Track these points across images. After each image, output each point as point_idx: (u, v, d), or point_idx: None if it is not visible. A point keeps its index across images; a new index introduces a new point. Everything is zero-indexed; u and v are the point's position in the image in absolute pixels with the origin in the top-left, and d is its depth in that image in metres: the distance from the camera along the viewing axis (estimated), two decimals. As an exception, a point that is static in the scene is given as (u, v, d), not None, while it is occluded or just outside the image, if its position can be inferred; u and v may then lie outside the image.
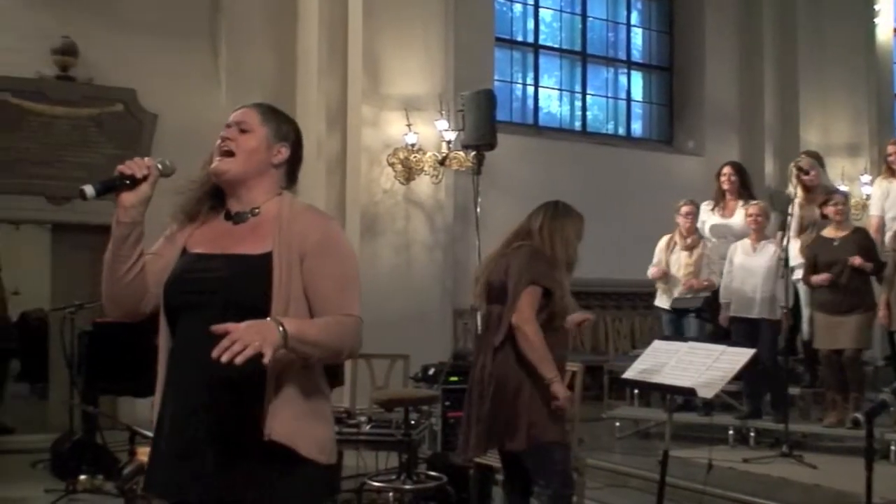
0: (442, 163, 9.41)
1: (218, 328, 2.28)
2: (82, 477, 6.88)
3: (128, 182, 2.60)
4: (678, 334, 8.02)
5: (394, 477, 6.24)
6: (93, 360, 6.96)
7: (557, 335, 4.52)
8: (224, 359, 2.23)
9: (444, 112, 9.41)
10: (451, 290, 9.83)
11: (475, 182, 8.24)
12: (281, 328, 2.34)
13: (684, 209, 8.53)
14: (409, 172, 9.42)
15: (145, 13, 10.10)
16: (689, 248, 8.47)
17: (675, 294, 8.46)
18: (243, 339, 2.25)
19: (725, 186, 8.86)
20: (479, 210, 8.23)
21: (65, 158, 9.76)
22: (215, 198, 2.76)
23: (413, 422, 6.33)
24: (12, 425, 9.88)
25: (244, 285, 2.55)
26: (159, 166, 2.65)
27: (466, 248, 9.46)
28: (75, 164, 9.74)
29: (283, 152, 2.75)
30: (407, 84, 9.62)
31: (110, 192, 2.61)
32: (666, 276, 8.55)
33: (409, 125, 9.33)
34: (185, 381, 2.57)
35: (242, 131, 2.70)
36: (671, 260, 8.54)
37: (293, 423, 2.50)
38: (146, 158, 2.65)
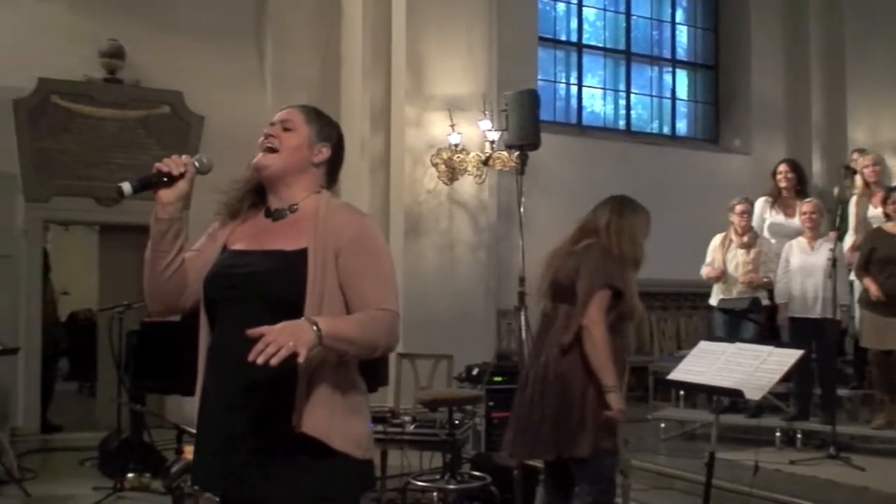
0: (485, 163, 9.40)
1: (253, 332, 2.31)
2: (130, 475, 6.96)
3: (165, 179, 2.63)
4: (733, 335, 7.90)
5: (438, 477, 6.23)
6: (140, 358, 7.02)
7: (621, 339, 4.43)
8: (259, 361, 2.26)
9: (487, 112, 9.39)
10: (495, 290, 9.81)
11: (519, 182, 8.21)
12: (315, 327, 2.37)
13: (739, 207, 8.43)
14: (452, 172, 9.42)
15: (191, 16, 10.23)
16: (747, 247, 8.37)
17: (734, 293, 8.36)
18: (277, 341, 2.28)
19: (783, 184, 8.76)
20: (522, 210, 8.20)
21: (113, 160, 9.90)
22: (257, 196, 2.81)
23: (457, 422, 6.32)
24: (61, 423, 10.02)
25: (279, 280, 2.58)
26: (196, 163, 2.69)
27: (510, 247, 9.44)
28: (123, 165, 9.86)
29: (325, 152, 2.80)
30: (450, 84, 9.62)
31: (148, 189, 2.63)
32: (723, 276, 8.45)
33: (452, 125, 9.33)
34: (223, 375, 2.61)
35: (286, 129, 2.76)
36: (727, 258, 8.45)
37: (327, 417, 2.53)
38: (183, 156, 2.68)
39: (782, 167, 8.88)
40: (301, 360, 2.31)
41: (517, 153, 8.31)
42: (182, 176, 2.64)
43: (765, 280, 8.25)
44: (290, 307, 2.48)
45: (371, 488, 2.91)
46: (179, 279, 2.70)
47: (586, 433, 4.25)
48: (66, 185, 9.76)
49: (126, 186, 2.60)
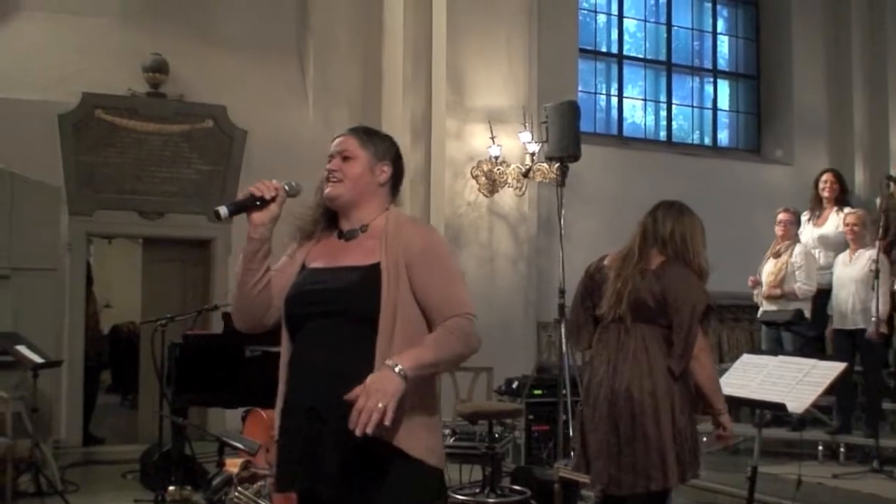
0: (526, 175, 9.41)
1: (349, 397, 2.50)
2: (171, 488, 6.99)
3: (258, 203, 2.83)
4: (777, 348, 7.83)
5: (478, 490, 6.24)
6: (182, 371, 7.08)
7: None
8: (358, 432, 2.47)
9: (527, 124, 9.40)
10: (535, 302, 9.80)
11: (559, 194, 8.20)
12: (398, 369, 2.53)
13: (779, 216, 8.34)
14: (492, 185, 9.44)
15: (234, 31, 10.32)
16: (776, 256, 8.31)
17: (776, 305, 8.29)
18: (368, 407, 2.47)
19: (825, 194, 8.64)
20: (563, 222, 8.19)
21: (156, 174, 10.00)
22: (329, 219, 2.98)
23: (497, 435, 6.33)
24: (103, 436, 10.12)
25: (355, 294, 2.75)
26: (286, 187, 2.89)
27: (550, 260, 9.42)
28: (166, 178, 9.98)
29: (387, 170, 2.95)
30: (490, 96, 9.65)
31: (242, 212, 2.83)
32: (757, 286, 8.40)
33: (492, 137, 9.35)
34: (305, 387, 2.76)
35: (345, 159, 2.90)
36: (763, 270, 8.40)
37: (405, 426, 2.66)
38: (274, 181, 2.88)
39: (826, 176, 8.77)
40: (389, 415, 2.48)
41: (557, 165, 8.30)
42: (273, 199, 2.84)
43: (781, 292, 8.12)
44: (366, 319, 2.70)
45: (444, 497, 3.00)
46: (266, 296, 2.89)
47: (671, 464, 4.14)
48: (110, 198, 9.87)
49: (223, 210, 2.79)
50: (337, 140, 2.95)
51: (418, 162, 9.78)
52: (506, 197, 9.54)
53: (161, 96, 10.05)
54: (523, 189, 9.50)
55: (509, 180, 9.42)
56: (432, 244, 2.84)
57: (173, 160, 10.10)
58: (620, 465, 4.21)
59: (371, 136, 2.96)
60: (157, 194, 9.98)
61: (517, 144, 9.51)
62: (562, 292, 7.67)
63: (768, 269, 8.28)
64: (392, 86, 10.24)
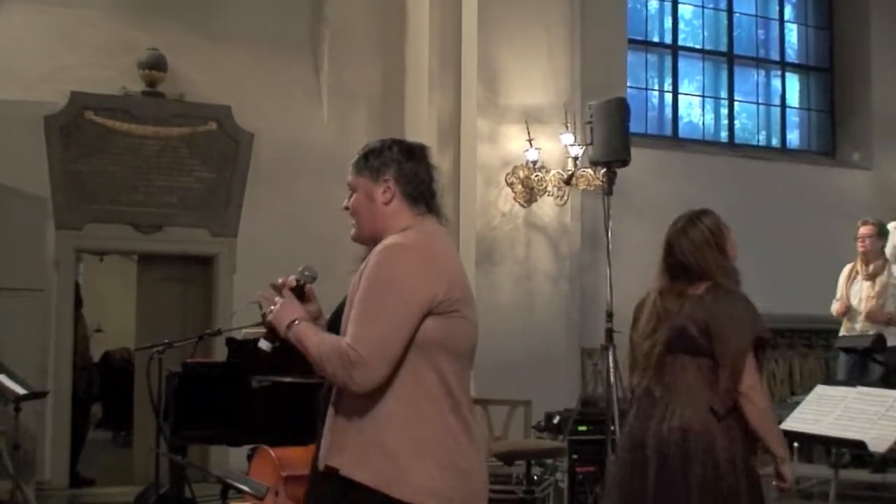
0: (568, 182, 9.40)
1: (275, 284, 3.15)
2: (170, 534, 7.02)
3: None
4: (857, 378, 7.73)
5: (515, 540, 6.22)
6: (182, 404, 7.11)
7: None
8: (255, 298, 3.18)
9: (569, 125, 9.40)
10: (579, 326, 9.78)
11: (606, 203, 8.18)
12: (296, 322, 3.02)
13: (862, 230, 8.26)
14: (530, 193, 9.43)
15: (240, 23, 10.36)
16: (872, 277, 8.20)
17: (858, 330, 8.20)
18: (272, 307, 3.08)
19: None
20: (610, 235, 8.17)
21: (153, 182, 10.06)
22: None
23: (536, 477, 6.32)
24: (93, 476, 10.16)
25: (338, 324, 3.09)
26: (298, 280, 3.20)
27: (596, 278, 9.40)
28: (164, 188, 10.05)
29: (389, 187, 3.06)
30: (528, 94, 9.66)
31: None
32: (847, 311, 8.29)
33: (530, 140, 9.35)
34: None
35: (352, 192, 3.15)
36: (852, 292, 8.29)
37: (352, 450, 2.92)
38: (280, 279, 3.21)
39: None
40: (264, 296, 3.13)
41: (604, 171, 8.29)
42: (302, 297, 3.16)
43: (888, 316, 8.06)
44: None
45: None
46: None
47: None
48: (102, 210, 9.93)
49: (263, 344, 3.18)
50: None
51: (446, 168, 9.77)
52: (545, 207, 9.53)
53: (159, 96, 10.11)
54: (565, 198, 9.49)
55: (549, 188, 9.42)
56: (376, 263, 2.98)
57: (172, 167, 10.15)
58: None
59: (366, 158, 3.12)
60: (154, 205, 10.04)
61: (558, 147, 9.51)
62: (609, 315, 7.62)
63: (865, 293, 8.18)
64: (416, 83, 10.26)
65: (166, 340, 7.35)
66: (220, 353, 8.44)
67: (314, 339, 2.97)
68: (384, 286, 2.91)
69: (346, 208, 3.16)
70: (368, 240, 3.12)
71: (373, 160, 3.08)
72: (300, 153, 10.04)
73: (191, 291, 10.63)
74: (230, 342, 7.55)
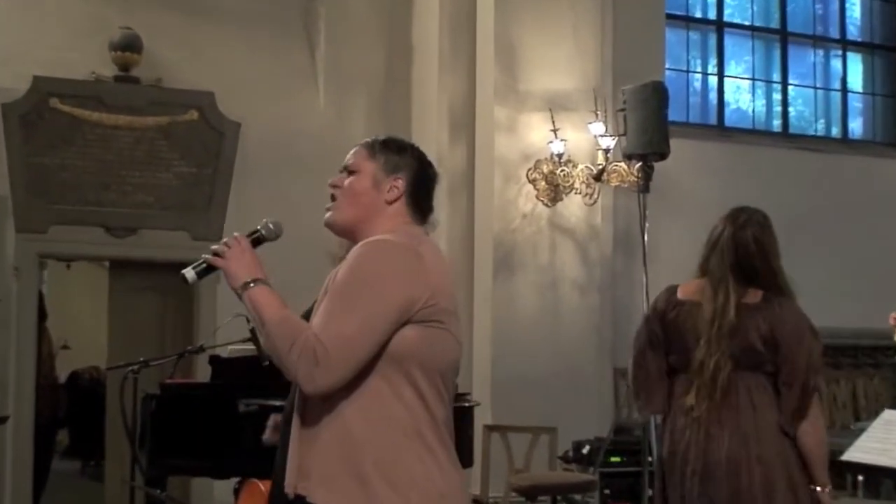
0: (598, 178, 9.40)
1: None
2: (146, 578, 7.04)
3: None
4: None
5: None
6: (160, 430, 7.11)
7: None
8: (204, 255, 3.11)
9: (599, 112, 9.40)
10: (611, 341, 9.77)
11: (641, 202, 8.19)
12: (252, 283, 3.00)
13: None
14: (554, 191, 9.43)
15: (225, 0, 10.37)
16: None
17: None
18: (222, 250, 3.07)
19: None
20: (646, 238, 8.18)
21: (127, 180, 10.06)
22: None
23: (563, 514, 6.31)
24: (61, 512, 10.19)
25: None
26: (264, 231, 3.19)
27: (630, 287, 9.40)
28: (140, 185, 10.04)
29: (399, 185, 3.13)
30: (552, 78, 9.66)
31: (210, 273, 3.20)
32: None
33: (554, 130, 9.35)
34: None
35: (350, 173, 3.17)
36: (917, 304, 8.29)
37: (320, 475, 2.98)
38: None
39: None
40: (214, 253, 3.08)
41: (639, 165, 8.30)
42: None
43: None
44: None
45: None
46: None
47: None
48: (68, 210, 9.93)
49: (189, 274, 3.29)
50: (351, 152, 3.22)
51: (458, 162, 9.80)
52: (572, 206, 9.54)
53: (133, 81, 10.11)
54: (595, 196, 9.49)
55: (576, 185, 9.42)
56: (353, 257, 3.01)
57: (148, 162, 10.16)
58: None
59: (385, 147, 3.17)
60: (127, 205, 10.04)
61: (587, 139, 9.52)
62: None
63: None
64: (425, 66, 10.27)
65: (142, 359, 7.37)
66: (203, 373, 8.44)
67: (275, 312, 2.95)
68: (363, 280, 2.95)
69: (335, 185, 3.18)
70: (346, 229, 3.18)
71: (392, 154, 3.16)
72: (293, 145, 10.04)
73: (170, 303, 10.63)
74: (214, 360, 7.55)
